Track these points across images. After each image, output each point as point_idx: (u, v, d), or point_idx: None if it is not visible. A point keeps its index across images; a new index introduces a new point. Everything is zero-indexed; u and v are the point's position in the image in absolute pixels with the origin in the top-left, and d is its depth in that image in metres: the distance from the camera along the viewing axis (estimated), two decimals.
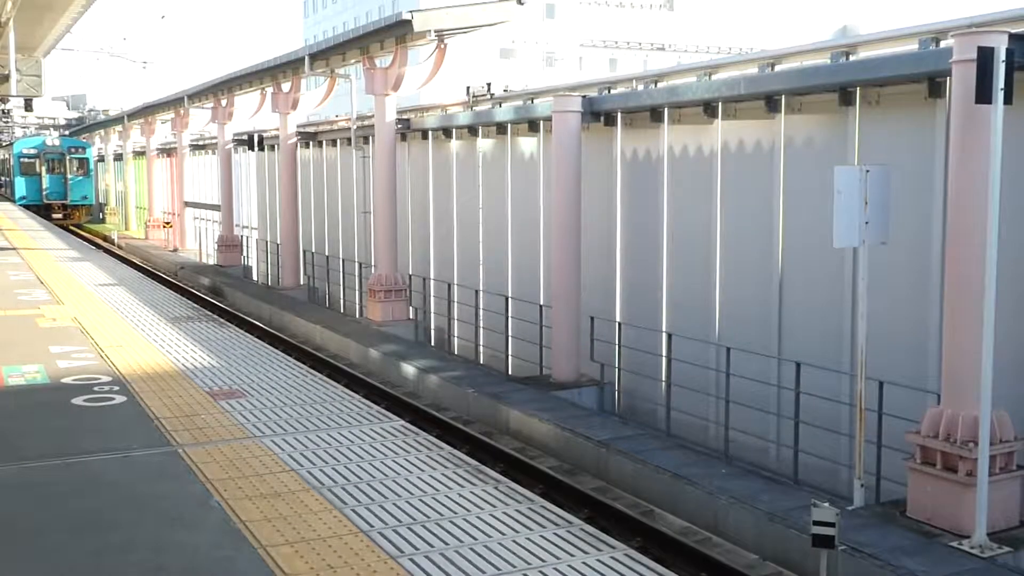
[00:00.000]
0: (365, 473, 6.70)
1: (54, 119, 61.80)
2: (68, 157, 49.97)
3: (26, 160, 49.64)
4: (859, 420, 9.98)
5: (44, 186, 49.33)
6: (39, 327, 12.39)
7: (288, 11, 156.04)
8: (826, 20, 65.15)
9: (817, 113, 12.59)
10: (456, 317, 20.28)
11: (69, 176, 49.69)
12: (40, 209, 46.82)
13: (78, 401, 8.61)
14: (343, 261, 25.81)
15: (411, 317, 21.26)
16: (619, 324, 15.37)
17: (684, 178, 14.77)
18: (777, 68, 13.36)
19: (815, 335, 12.50)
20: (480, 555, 5.29)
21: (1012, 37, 8.87)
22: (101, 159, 57.30)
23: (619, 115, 15.86)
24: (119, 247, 41.99)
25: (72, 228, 46.12)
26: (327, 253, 27.21)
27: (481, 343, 19.48)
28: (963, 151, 9.09)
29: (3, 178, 60.25)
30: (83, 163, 50.71)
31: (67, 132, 60.04)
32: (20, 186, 49.77)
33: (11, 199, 52.08)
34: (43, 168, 49.34)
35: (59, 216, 47.94)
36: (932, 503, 9.25)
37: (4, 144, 61.94)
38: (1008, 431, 9.21)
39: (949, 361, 9.41)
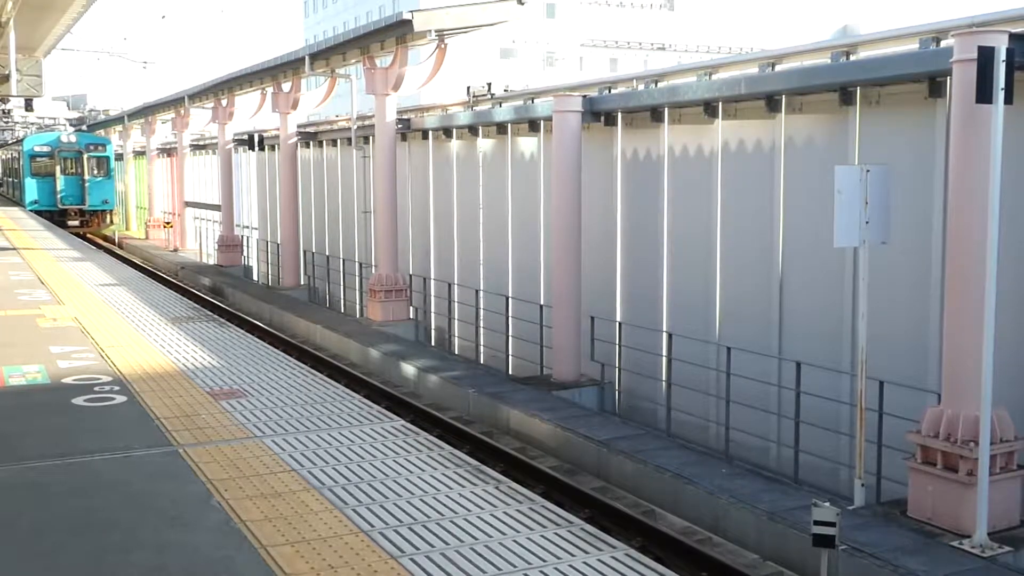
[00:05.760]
0: (366, 473, 6.70)
1: (54, 119, 61.07)
2: (86, 155, 43.00)
3: (38, 159, 42.81)
4: (860, 420, 9.98)
5: (59, 188, 42.51)
6: (40, 327, 12.39)
7: (288, 11, 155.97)
8: (826, 20, 65.12)
9: (817, 113, 12.59)
10: (456, 317, 20.28)
11: (87, 177, 42.80)
12: (54, 215, 40.73)
13: (78, 401, 8.61)
14: (343, 261, 25.81)
15: (411, 317, 21.26)
16: (619, 324, 15.37)
17: (684, 178, 14.77)
18: (777, 68, 13.36)
19: (815, 335, 12.50)
20: (481, 555, 5.29)
21: (1012, 37, 8.87)
22: None
23: (619, 115, 15.86)
24: (120, 247, 42.00)
25: (90, 236, 41.04)
26: (327, 253, 27.21)
27: (481, 343, 19.48)
28: (963, 151, 9.09)
29: (11, 179, 52.56)
30: (103, 162, 43.72)
31: (84, 128, 53.57)
32: (31, 189, 42.88)
33: (19, 203, 45.65)
34: (58, 168, 42.58)
35: (75, 223, 41.79)
36: (933, 503, 9.25)
37: (10, 142, 57.48)
38: (1008, 430, 9.21)
39: (949, 361, 9.41)
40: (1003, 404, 9.28)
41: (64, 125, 55.96)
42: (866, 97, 11.84)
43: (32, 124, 55.65)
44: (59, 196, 42.54)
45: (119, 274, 19.52)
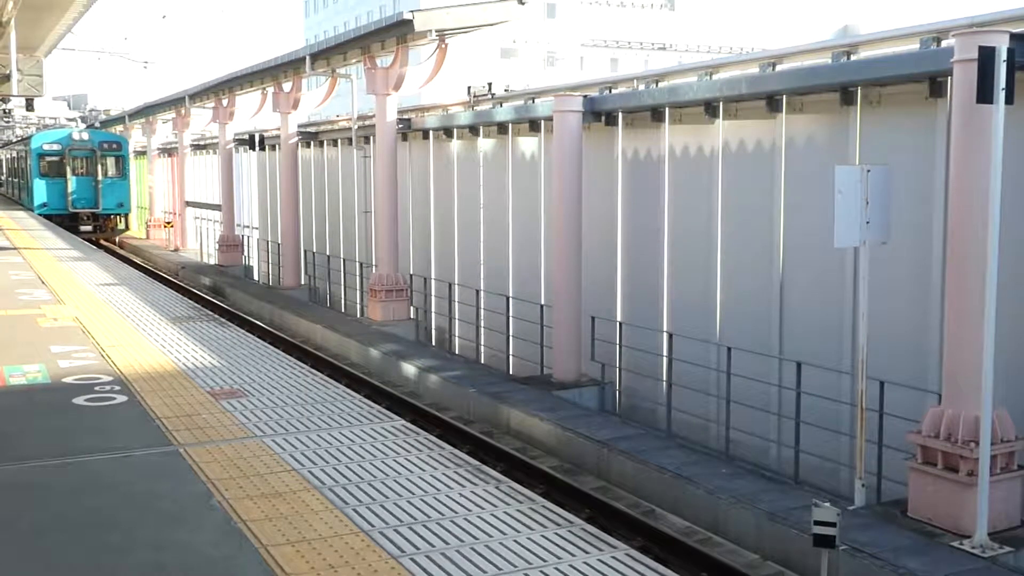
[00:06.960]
0: (366, 473, 6.70)
1: (55, 119, 60.70)
2: (100, 154, 39.62)
3: (48, 158, 39.24)
4: (860, 420, 9.98)
5: (70, 190, 38.96)
6: (40, 327, 12.39)
7: (289, 11, 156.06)
8: (827, 20, 65.12)
9: (818, 113, 12.59)
10: (457, 317, 20.28)
11: (101, 178, 39.44)
12: (64, 220, 37.14)
13: (79, 401, 8.61)
14: (344, 261, 25.81)
15: (412, 317, 21.26)
16: (620, 324, 15.36)
17: (685, 178, 14.76)
18: (778, 68, 13.35)
19: (816, 335, 12.50)
20: (481, 555, 5.29)
21: (1013, 37, 8.86)
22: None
23: (620, 115, 15.86)
24: (120, 247, 41.96)
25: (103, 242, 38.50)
26: (328, 253, 27.21)
27: (482, 343, 19.48)
28: (964, 151, 9.09)
29: (17, 180, 48.96)
30: (118, 162, 40.38)
31: (97, 124, 50.69)
32: (40, 191, 39.08)
33: (24, 206, 42.57)
34: (69, 168, 39.10)
35: (88, 228, 38.59)
36: (933, 503, 9.25)
37: (14, 141, 55.18)
38: (1009, 430, 9.21)
39: (950, 361, 9.40)
40: (1003, 404, 9.27)
41: (76, 122, 55.20)
42: (867, 97, 11.83)
43: (32, 124, 55.40)
44: (70, 199, 39.14)
45: (119, 274, 19.52)
